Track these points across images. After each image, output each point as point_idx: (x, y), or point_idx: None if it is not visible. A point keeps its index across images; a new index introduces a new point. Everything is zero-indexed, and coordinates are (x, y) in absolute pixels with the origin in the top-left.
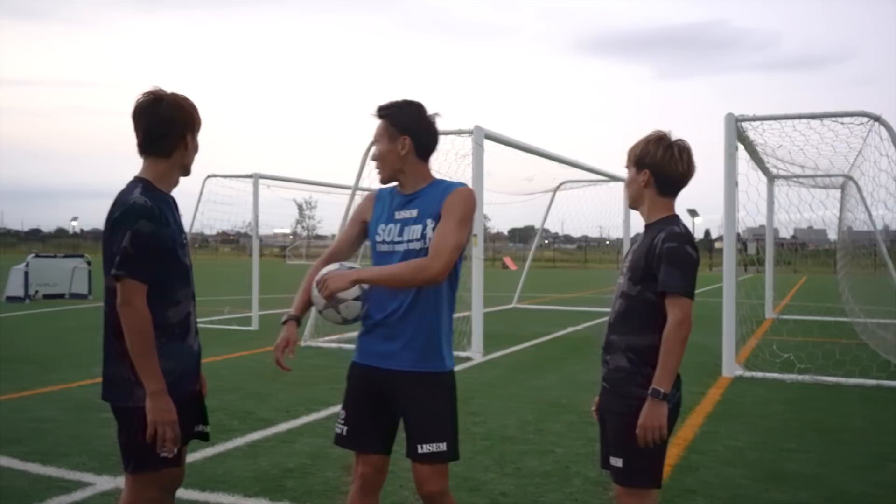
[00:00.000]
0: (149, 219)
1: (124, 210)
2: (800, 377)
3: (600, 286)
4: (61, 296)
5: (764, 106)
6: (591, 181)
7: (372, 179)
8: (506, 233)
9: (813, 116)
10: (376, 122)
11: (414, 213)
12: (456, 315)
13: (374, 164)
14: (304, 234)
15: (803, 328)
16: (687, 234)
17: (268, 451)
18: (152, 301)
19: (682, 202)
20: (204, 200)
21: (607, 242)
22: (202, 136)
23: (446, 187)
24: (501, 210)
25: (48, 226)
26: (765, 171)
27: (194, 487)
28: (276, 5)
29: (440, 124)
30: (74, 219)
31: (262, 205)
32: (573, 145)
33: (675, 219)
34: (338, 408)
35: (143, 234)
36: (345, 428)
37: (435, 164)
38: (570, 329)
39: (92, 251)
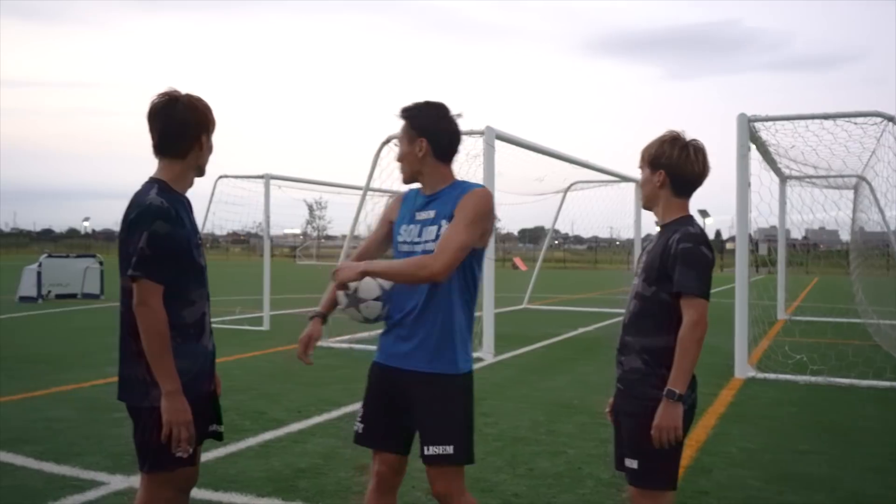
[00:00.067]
0: (165, 220)
1: (141, 211)
2: (812, 378)
3: (611, 287)
4: (73, 296)
5: (775, 106)
6: (602, 181)
7: (383, 180)
8: (516, 233)
9: (826, 117)
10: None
11: (431, 214)
12: None
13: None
14: (315, 234)
15: (816, 329)
16: (702, 235)
17: (280, 451)
18: (168, 301)
19: (693, 203)
20: (215, 201)
21: (617, 243)
22: (214, 137)
23: (464, 188)
24: (512, 210)
25: (60, 226)
26: (777, 171)
27: (207, 487)
28: (285, 6)
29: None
30: (86, 219)
31: (273, 205)
32: (584, 146)
33: (690, 219)
34: (350, 408)
35: (160, 235)
36: (362, 426)
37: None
38: (581, 330)
39: (104, 251)
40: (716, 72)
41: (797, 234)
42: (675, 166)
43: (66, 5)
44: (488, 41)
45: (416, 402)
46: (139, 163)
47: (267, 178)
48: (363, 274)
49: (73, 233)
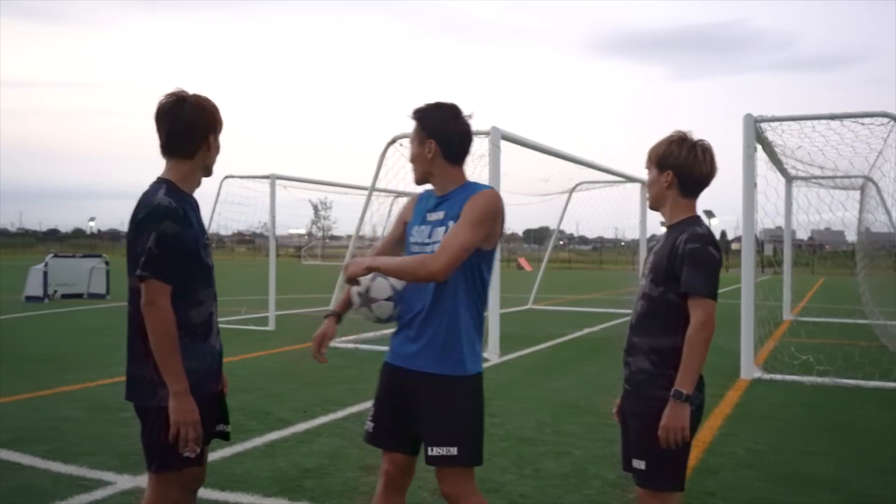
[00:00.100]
0: (173, 220)
1: (149, 211)
2: (819, 379)
3: (616, 287)
4: (79, 295)
5: (782, 106)
6: (607, 182)
7: (388, 181)
8: (520, 234)
9: (833, 117)
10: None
11: (441, 215)
12: None
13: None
14: (320, 234)
15: (822, 330)
16: (709, 235)
17: (286, 451)
18: (176, 301)
19: (699, 203)
20: (221, 201)
21: (622, 244)
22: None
23: (473, 190)
24: (517, 211)
25: (66, 226)
26: (783, 172)
27: (213, 487)
28: (290, 6)
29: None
30: (92, 219)
31: (278, 205)
32: (589, 146)
33: (697, 220)
34: (355, 408)
35: (168, 236)
36: (372, 425)
37: None
38: (587, 330)
39: (109, 251)
40: (721, 72)
41: (803, 235)
42: (682, 167)
43: (67, 5)
44: (494, 41)
45: (421, 402)
46: (147, 163)
47: (272, 179)
48: (368, 269)
49: (78, 233)
